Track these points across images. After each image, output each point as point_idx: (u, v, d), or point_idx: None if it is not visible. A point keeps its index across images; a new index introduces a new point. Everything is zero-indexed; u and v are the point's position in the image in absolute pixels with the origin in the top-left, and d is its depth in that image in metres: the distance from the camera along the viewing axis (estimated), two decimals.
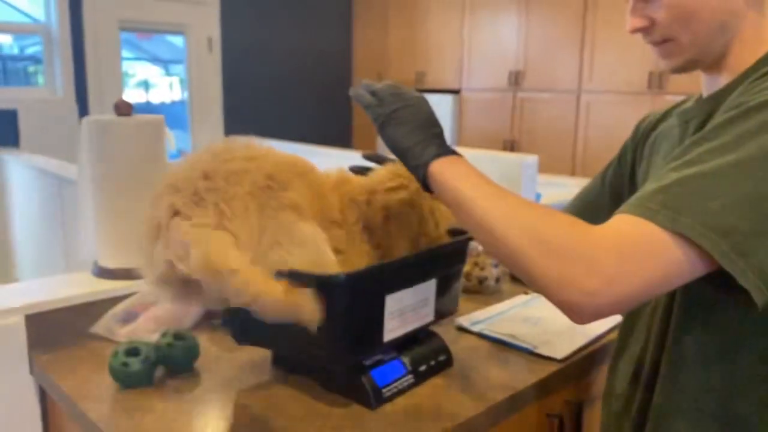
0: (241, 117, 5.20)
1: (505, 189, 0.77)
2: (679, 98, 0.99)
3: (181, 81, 5.25)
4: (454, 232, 1.07)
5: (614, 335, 1.03)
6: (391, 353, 1.01)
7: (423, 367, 1.03)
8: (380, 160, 1.12)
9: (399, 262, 0.96)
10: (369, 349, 0.97)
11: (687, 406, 0.81)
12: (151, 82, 5.38)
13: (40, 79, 4.39)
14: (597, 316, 0.68)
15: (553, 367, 1.08)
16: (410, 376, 1.00)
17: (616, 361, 0.98)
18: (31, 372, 1.12)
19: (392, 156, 0.90)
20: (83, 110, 4.33)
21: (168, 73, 5.48)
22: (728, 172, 0.66)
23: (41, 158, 3.46)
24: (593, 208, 1.13)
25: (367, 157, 1.14)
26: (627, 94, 4.11)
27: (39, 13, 4.28)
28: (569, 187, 2.52)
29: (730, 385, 0.78)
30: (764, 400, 0.76)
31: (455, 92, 5.13)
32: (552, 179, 2.77)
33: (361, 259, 0.99)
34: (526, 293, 1.44)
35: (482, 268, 1.45)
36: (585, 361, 1.14)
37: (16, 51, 4.55)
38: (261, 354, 1.09)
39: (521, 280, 0.73)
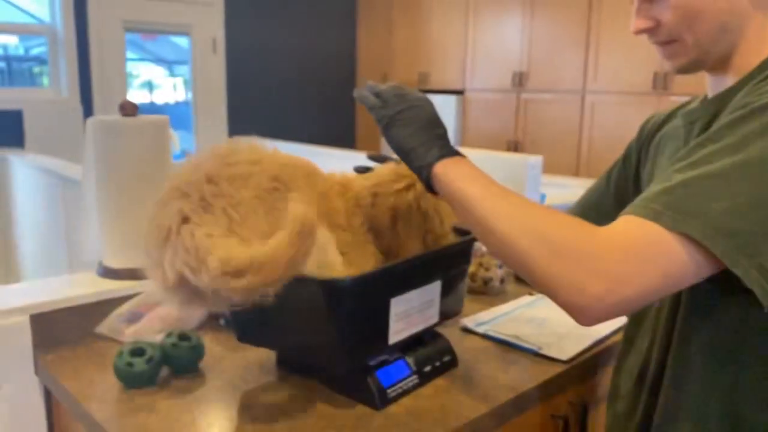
0: (245, 118, 5.20)
1: (509, 190, 0.77)
2: (684, 99, 0.99)
3: (185, 82, 5.25)
4: (460, 232, 1.07)
5: (619, 336, 1.03)
6: (396, 354, 1.01)
7: (428, 368, 1.03)
8: (384, 160, 1.12)
9: (404, 265, 0.96)
10: (374, 352, 0.97)
11: (692, 407, 0.81)
12: (155, 82, 5.39)
13: (45, 80, 4.41)
14: (603, 318, 0.68)
15: (558, 369, 1.07)
16: (415, 376, 1.00)
17: (621, 362, 0.97)
18: (36, 372, 1.12)
19: (396, 157, 0.90)
20: (88, 111, 4.34)
21: (172, 74, 5.49)
22: (733, 174, 0.66)
23: (46, 158, 3.47)
24: (597, 209, 1.12)
25: (372, 158, 1.14)
26: (631, 94, 4.10)
27: (44, 14, 4.29)
28: (573, 188, 2.52)
29: (735, 385, 0.77)
30: None
31: (459, 93, 5.13)
32: (556, 180, 2.77)
33: (368, 260, 0.99)
34: (530, 294, 1.44)
35: (487, 269, 1.45)
36: (590, 362, 1.14)
37: (21, 52, 4.57)
38: (265, 354, 1.09)
39: (526, 281, 0.73)
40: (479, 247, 1.39)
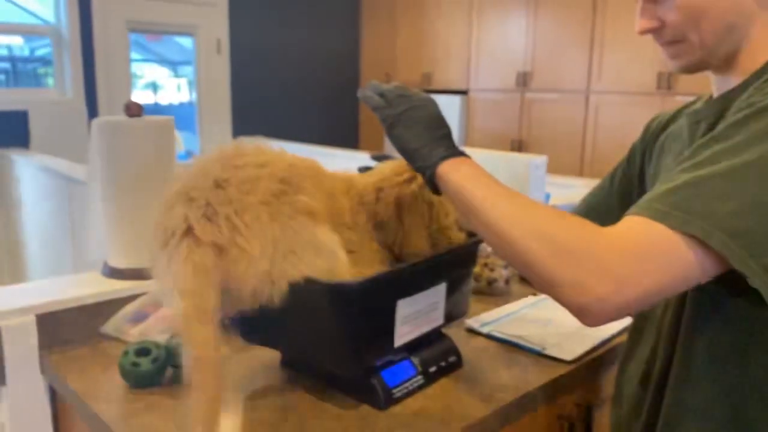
0: (249, 118, 5.21)
1: (513, 191, 0.77)
2: (689, 99, 0.98)
3: (189, 82, 5.26)
4: (467, 234, 1.07)
5: (624, 337, 1.02)
6: (401, 354, 1.01)
7: (433, 368, 1.03)
8: (388, 160, 1.12)
9: (410, 268, 0.96)
10: (380, 354, 0.97)
11: (698, 407, 0.80)
12: (159, 83, 5.41)
13: (50, 81, 4.42)
14: (608, 319, 0.68)
15: (562, 369, 1.07)
16: (420, 377, 1.00)
17: (626, 362, 0.97)
18: (42, 371, 1.12)
19: (400, 157, 0.90)
20: (92, 111, 4.36)
21: (176, 75, 5.50)
22: (739, 173, 0.66)
23: (51, 159, 3.48)
24: (602, 209, 1.12)
25: (375, 158, 1.14)
26: (636, 94, 4.09)
27: (49, 15, 4.31)
28: (577, 188, 2.52)
29: (740, 385, 0.77)
30: None
31: (463, 93, 5.13)
32: (560, 180, 2.76)
33: (373, 258, 0.99)
34: (535, 294, 1.43)
35: (492, 270, 1.44)
36: (595, 362, 1.13)
37: (26, 53, 4.59)
38: (270, 354, 1.09)
39: (530, 281, 0.73)
40: (484, 247, 1.39)
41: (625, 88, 4.14)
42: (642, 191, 1.05)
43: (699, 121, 0.86)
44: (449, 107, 5.01)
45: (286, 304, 0.85)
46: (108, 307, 1.20)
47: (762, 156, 0.66)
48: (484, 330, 1.22)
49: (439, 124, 0.86)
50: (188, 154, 5.09)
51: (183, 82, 5.45)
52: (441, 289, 1.02)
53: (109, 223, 1.30)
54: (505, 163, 1.78)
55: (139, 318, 1.18)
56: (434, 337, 1.07)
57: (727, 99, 0.81)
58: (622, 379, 0.98)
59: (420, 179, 1.00)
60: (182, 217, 0.82)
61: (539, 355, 1.12)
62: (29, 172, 3.56)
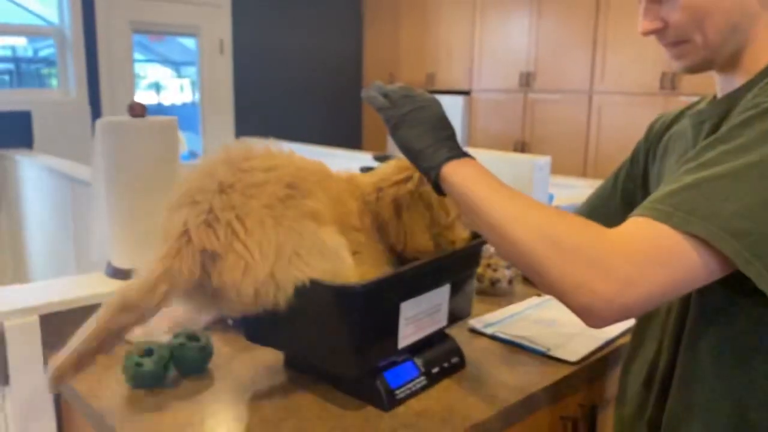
0: (252, 119, 5.22)
1: (517, 192, 0.77)
2: (692, 99, 0.98)
3: (192, 83, 5.27)
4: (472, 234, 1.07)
5: (628, 338, 1.02)
6: (404, 355, 1.00)
7: (436, 369, 1.03)
8: (390, 160, 1.12)
9: (413, 270, 0.96)
10: (383, 355, 0.97)
11: (702, 408, 0.80)
12: (162, 83, 5.41)
13: (54, 81, 4.43)
14: (613, 320, 0.68)
15: (566, 370, 1.07)
16: (423, 377, 1.00)
17: (629, 364, 0.97)
18: (45, 371, 1.12)
19: (403, 157, 0.90)
20: (96, 112, 4.37)
21: (179, 75, 5.51)
22: (744, 174, 0.66)
23: (54, 159, 3.49)
24: (605, 209, 1.12)
25: (378, 159, 1.14)
26: (639, 95, 4.08)
27: (52, 16, 4.32)
28: (581, 189, 2.52)
29: (745, 386, 0.77)
30: None
31: (466, 93, 5.12)
32: (563, 180, 2.76)
33: (379, 258, 0.99)
34: (538, 295, 1.43)
35: (495, 270, 1.44)
36: (599, 363, 1.13)
37: (29, 53, 4.60)
38: (274, 355, 1.09)
39: (534, 283, 0.73)
40: (487, 248, 1.39)
41: (628, 88, 4.14)
42: (645, 191, 1.05)
43: (703, 122, 0.86)
44: (452, 108, 5.00)
45: (290, 306, 0.85)
46: None
47: (766, 156, 0.65)
48: (488, 331, 1.22)
49: (443, 125, 0.86)
50: (191, 154, 5.10)
51: (186, 82, 5.46)
52: (444, 290, 1.02)
53: (112, 224, 1.30)
54: (509, 164, 1.78)
55: None
56: (437, 338, 1.07)
57: (732, 99, 0.81)
58: (625, 380, 0.97)
59: (417, 178, 1.00)
60: (183, 220, 0.83)
61: (543, 356, 1.12)
62: (32, 172, 3.57)
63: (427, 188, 1.00)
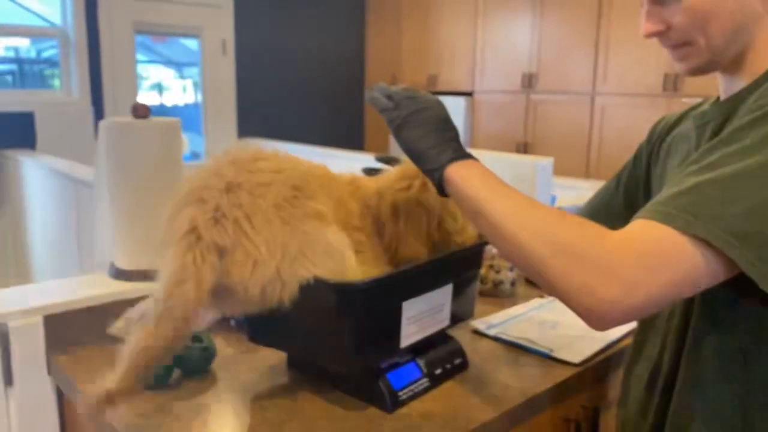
0: (254, 119, 5.22)
1: (521, 194, 0.77)
2: (695, 100, 0.98)
3: (195, 84, 5.28)
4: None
5: (631, 340, 1.02)
6: (407, 356, 1.01)
7: (438, 371, 1.03)
8: (393, 162, 1.12)
9: (416, 269, 0.96)
10: (385, 355, 0.97)
11: (706, 412, 0.80)
12: (164, 84, 5.42)
13: (56, 82, 4.44)
14: (617, 322, 0.67)
15: (569, 372, 1.07)
16: (426, 379, 1.00)
17: (631, 366, 0.97)
18: (49, 372, 1.13)
19: (405, 158, 0.90)
20: (98, 113, 4.37)
21: (181, 76, 5.52)
22: (748, 176, 0.66)
23: (57, 160, 3.49)
24: (608, 211, 1.12)
25: (380, 160, 1.14)
26: (642, 96, 4.08)
27: (55, 17, 4.32)
28: (583, 190, 2.51)
29: (749, 391, 0.77)
30: None
31: (468, 94, 5.12)
32: (566, 182, 2.76)
33: (380, 258, 0.99)
34: (541, 297, 1.43)
35: (498, 271, 1.44)
36: (602, 365, 1.13)
37: (32, 54, 4.60)
38: (277, 355, 1.09)
39: (538, 285, 0.73)
40: (489, 249, 1.39)
41: (630, 89, 4.13)
42: (648, 193, 1.05)
43: (706, 123, 0.86)
44: (454, 109, 5.00)
45: (293, 305, 0.86)
46: (115, 309, 1.20)
47: None
48: (491, 332, 1.22)
49: (446, 126, 0.85)
50: (194, 155, 5.11)
51: (188, 83, 5.46)
52: (447, 290, 1.02)
53: (116, 225, 1.30)
54: (512, 165, 1.78)
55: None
56: (440, 339, 1.07)
57: (735, 101, 0.81)
58: (628, 382, 0.97)
59: (418, 186, 1.00)
60: (190, 218, 0.83)
61: (546, 358, 1.12)
62: (35, 173, 3.57)
63: (428, 195, 1.00)
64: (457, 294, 1.04)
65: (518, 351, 1.15)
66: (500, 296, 1.45)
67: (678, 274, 0.66)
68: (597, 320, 0.68)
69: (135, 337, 0.80)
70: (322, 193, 0.92)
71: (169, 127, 1.29)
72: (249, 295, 0.83)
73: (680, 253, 0.65)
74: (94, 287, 1.23)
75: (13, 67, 4.48)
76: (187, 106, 5.36)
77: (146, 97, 5.16)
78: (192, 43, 5.12)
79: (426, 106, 0.86)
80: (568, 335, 1.19)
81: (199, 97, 5.11)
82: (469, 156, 0.83)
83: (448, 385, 1.02)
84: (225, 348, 1.15)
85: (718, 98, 0.88)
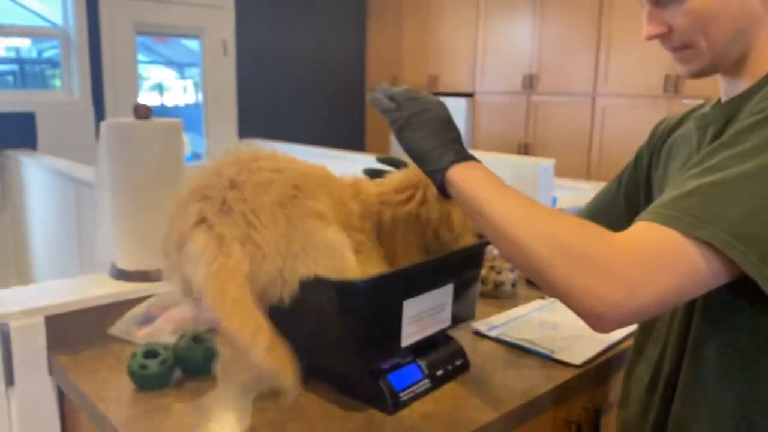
0: (255, 120, 5.22)
1: (525, 196, 0.77)
2: (696, 102, 0.98)
3: (195, 84, 5.28)
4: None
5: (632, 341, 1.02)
6: (408, 357, 1.00)
7: (440, 372, 1.03)
8: (394, 163, 1.12)
9: (416, 268, 0.96)
10: (386, 354, 0.97)
11: (707, 413, 0.80)
12: (165, 85, 5.42)
13: (57, 82, 4.44)
14: (620, 325, 0.68)
15: (570, 373, 1.07)
16: (427, 380, 1.00)
17: (632, 367, 0.97)
18: (50, 373, 1.13)
19: (406, 159, 0.90)
20: (99, 113, 4.37)
21: (182, 76, 5.52)
22: (750, 179, 0.66)
23: (58, 160, 3.50)
24: (608, 212, 1.12)
25: (381, 161, 1.14)
26: (642, 97, 4.08)
27: (56, 17, 4.33)
28: (584, 191, 2.51)
29: (752, 393, 0.77)
30: None
31: (469, 96, 5.12)
32: (567, 183, 2.76)
33: (380, 259, 1.00)
34: (543, 298, 1.43)
35: (498, 272, 1.44)
36: (603, 366, 1.13)
37: (33, 54, 4.61)
38: None
39: (540, 287, 0.73)
40: (491, 250, 1.39)
41: (631, 90, 4.13)
42: (649, 195, 1.05)
43: (707, 126, 0.86)
44: (455, 110, 5.00)
45: (293, 304, 0.86)
46: (116, 309, 1.20)
47: None
48: (492, 333, 1.21)
49: (449, 127, 0.85)
50: (194, 155, 5.11)
51: (189, 83, 5.47)
52: (448, 290, 1.02)
53: (117, 225, 1.30)
54: (513, 167, 1.78)
55: (147, 320, 1.19)
56: (441, 340, 1.07)
57: (736, 104, 0.81)
58: (629, 383, 0.97)
59: (419, 199, 1.01)
60: (197, 211, 0.83)
61: (547, 359, 1.12)
62: (36, 173, 3.57)
63: (428, 208, 1.01)
64: (458, 294, 1.04)
65: (519, 352, 1.15)
66: (501, 297, 1.44)
67: (681, 276, 0.66)
68: (599, 322, 0.68)
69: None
70: (322, 193, 0.93)
71: (170, 128, 1.29)
72: (255, 289, 0.83)
73: (683, 256, 0.65)
74: (95, 287, 1.23)
75: (14, 67, 4.48)
76: (187, 106, 5.36)
77: (147, 98, 5.17)
78: (193, 44, 5.12)
79: (428, 107, 0.86)
80: (569, 336, 1.19)
81: (200, 98, 5.12)
82: (471, 157, 0.83)
83: (449, 387, 1.02)
84: (226, 349, 1.14)
85: (720, 100, 0.88)
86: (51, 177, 3.31)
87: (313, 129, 5.52)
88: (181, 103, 5.43)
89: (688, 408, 0.82)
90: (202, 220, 0.82)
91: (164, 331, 1.15)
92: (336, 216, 0.93)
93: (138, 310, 1.20)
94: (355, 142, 5.84)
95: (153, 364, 0.99)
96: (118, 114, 4.33)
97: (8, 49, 4.38)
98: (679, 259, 0.65)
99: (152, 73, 5.40)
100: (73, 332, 1.16)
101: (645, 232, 0.68)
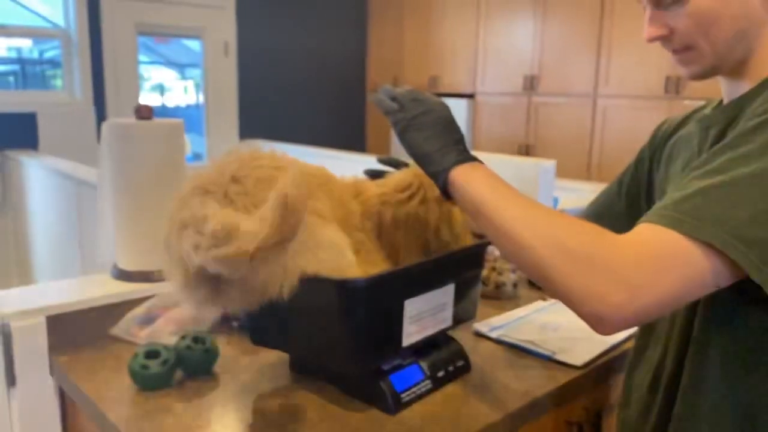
0: (256, 121, 5.22)
1: (527, 197, 0.77)
2: (697, 103, 0.98)
3: (196, 85, 5.28)
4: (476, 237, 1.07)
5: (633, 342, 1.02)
6: (410, 358, 1.01)
7: (441, 373, 1.03)
8: (395, 164, 1.12)
9: (417, 267, 0.97)
10: (388, 354, 0.97)
11: (709, 414, 0.80)
12: (166, 85, 5.42)
13: (59, 83, 4.44)
14: (623, 327, 0.67)
15: (572, 374, 1.07)
16: (428, 381, 1.00)
17: (633, 368, 0.97)
18: (51, 373, 1.13)
19: (408, 159, 0.90)
20: (100, 113, 4.38)
21: (183, 77, 5.52)
22: (754, 181, 0.66)
23: (59, 160, 3.50)
24: (610, 213, 1.12)
25: (382, 161, 1.14)
26: (643, 98, 4.08)
27: (58, 18, 4.33)
28: (585, 192, 2.51)
29: (754, 395, 0.77)
30: None
31: (470, 96, 5.12)
32: (568, 184, 2.76)
33: (378, 259, 1.00)
34: (544, 299, 1.43)
35: (500, 273, 1.44)
36: (605, 367, 1.13)
37: (35, 55, 4.61)
38: (280, 357, 1.09)
39: (542, 288, 0.73)
40: (492, 250, 1.39)
41: (632, 91, 4.13)
42: (650, 196, 1.05)
43: (709, 127, 0.86)
44: (456, 111, 4.90)
45: (294, 303, 0.85)
46: (117, 309, 1.20)
47: None
48: (493, 334, 1.21)
49: (452, 128, 0.86)
50: (195, 156, 5.11)
51: (190, 84, 5.47)
52: (449, 289, 1.02)
53: (118, 225, 1.30)
54: (514, 168, 1.78)
55: (148, 320, 1.19)
56: (442, 341, 1.07)
57: (738, 105, 0.81)
58: (630, 384, 0.97)
59: (419, 199, 1.01)
60: (199, 204, 0.82)
61: (549, 360, 1.12)
62: (38, 173, 3.57)
63: (427, 208, 1.02)
64: (459, 294, 1.04)
65: (520, 353, 1.15)
66: (502, 298, 1.44)
67: (684, 279, 0.66)
68: (603, 324, 0.67)
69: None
70: (321, 193, 0.93)
71: (172, 128, 1.30)
72: (254, 282, 0.83)
73: (686, 258, 0.65)
74: (96, 288, 1.23)
75: (16, 67, 4.49)
76: (188, 107, 5.37)
77: (148, 98, 5.17)
78: (194, 44, 5.12)
79: (431, 108, 0.86)
80: (571, 338, 1.19)
81: (201, 98, 5.12)
82: (474, 159, 0.83)
83: (450, 388, 1.02)
84: (227, 349, 1.15)
85: (721, 101, 0.88)
86: (52, 177, 3.31)
87: (314, 130, 5.52)
88: (182, 104, 5.43)
89: (690, 409, 0.82)
90: (205, 216, 0.82)
91: (165, 332, 1.15)
92: (336, 215, 0.94)
93: (139, 310, 1.20)
94: (355, 143, 5.84)
95: (154, 365, 0.99)
96: (119, 114, 4.33)
97: (9, 49, 4.39)
98: (681, 261, 0.65)
99: (153, 73, 5.40)
100: (75, 332, 1.16)
101: (648, 234, 0.68)
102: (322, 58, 5.62)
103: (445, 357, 1.05)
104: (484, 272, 1.42)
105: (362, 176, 1.11)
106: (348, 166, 1.09)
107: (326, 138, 5.30)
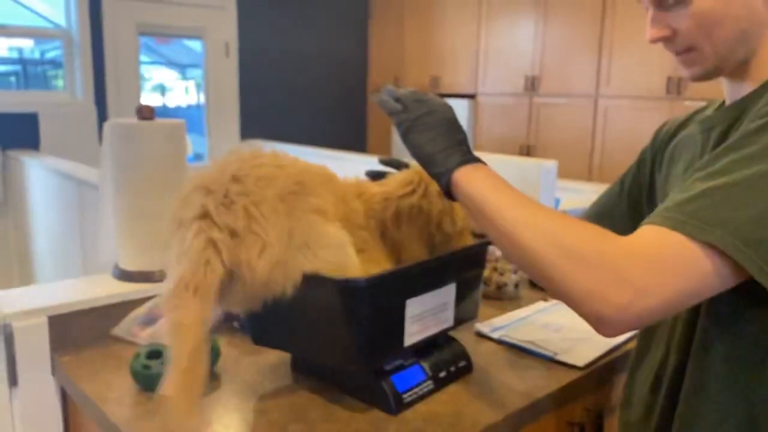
0: (257, 121, 5.22)
1: (530, 198, 0.77)
2: (698, 104, 0.98)
3: (197, 85, 5.29)
4: (477, 237, 1.07)
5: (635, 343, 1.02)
6: (411, 358, 1.01)
7: (443, 373, 1.03)
8: (396, 164, 1.12)
9: (419, 266, 0.97)
10: (389, 354, 0.97)
11: (712, 416, 0.80)
12: (167, 86, 5.43)
13: (60, 83, 4.45)
14: (626, 329, 0.67)
15: (574, 375, 1.07)
16: (430, 381, 1.00)
17: (635, 369, 0.97)
18: (53, 373, 1.13)
19: (410, 160, 0.90)
20: (102, 113, 4.38)
21: (184, 77, 5.53)
22: (757, 183, 0.66)
23: (60, 161, 3.50)
24: (612, 213, 1.12)
25: (384, 162, 1.14)
26: (645, 99, 4.08)
27: (59, 18, 4.33)
28: (586, 193, 2.51)
29: (757, 397, 0.76)
30: None
31: (471, 97, 5.12)
32: (569, 185, 2.76)
33: (381, 258, 1.00)
34: (545, 300, 1.43)
35: (501, 274, 1.44)
36: (606, 368, 1.13)
37: (36, 55, 4.61)
38: (281, 357, 1.10)
39: (545, 289, 0.73)
40: (493, 251, 1.39)
41: (634, 92, 4.13)
42: (651, 197, 1.04)
43: (711, 129, 0.86)
44: (457, 111, 4.94)
45: (295, 303, 0.86)
46: (119, 310, 1.20)
47: None
48: (495, 335, 1.21)
49: (455, 129, 0.86)
50: (196, 156, 5.11)
51: (191, 84, 5.47)
52: (450, 289, 1.02)
53: (119, 226, 1.30)
54: (516, 168, 1.78)
55: (149, 320, 1.19)
56: (444, 341, 1.07)
57: (740, 106, 0.81)
58: (631, 385, 0.97)
59: (421, 192, 1.01)
60: (200, 204, 0.83)
61: (550, 361, 1.12)
62: (39, 174, 3.58)
63: (429, 201, 1.02)
64: (460, 294, 1.04)
65: (522, 354, 1.15)
66: (504, 299, 1.44)
67: (687, 280, 0.66)
68: (606, 326, 0.67)
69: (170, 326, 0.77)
70: (324, 190, 0.93)
71: (173, 129, 1.30)
72: (255, 280, 0.83)
73: (690, 260, 0.65)
74: (98, 288, 1.23)
75: (17, 68, 4.49)
76: (189, 107, 5.37)
77: (149, 99, 5.18)
78: (195, 45, 5.13)
79: (435, 109, 0.86)
80: (572, 338, 1.19)
81: (202, 99, 5.12)
82: (478, 159, 0.83)
83: (452, 388, 1.02)
84: (229, 349, 1.15)
85: (723, 103, 0.88)
86: (53, 177, 3.32)
87: (315, 130, 5.53)
88: (183, 104, 5.44)
89: (692, 410, 0.82)
90: (204, 215, 0.82)
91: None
92: (338, 213, 0.94)
93: (141, 310, 1.20)
94: (356, 144, 5.84)
95: (156, 365, 0.99)
96: (121, 115, 4.33)
97: (11, 49, 4.39)
98: (686, 264, 0.65)
99: (154, 73, 5.40)
100: (76, 333, 1.16)
101: (651, 235, 0.68)
102: (323, 58, 5.62)
103: (446, 357, 1.05)
104: (486, 273, 1.42)
105: (363, 177, 1.11)
106: (349, 167, 1.09)
107: (327, 138, 5.30)
